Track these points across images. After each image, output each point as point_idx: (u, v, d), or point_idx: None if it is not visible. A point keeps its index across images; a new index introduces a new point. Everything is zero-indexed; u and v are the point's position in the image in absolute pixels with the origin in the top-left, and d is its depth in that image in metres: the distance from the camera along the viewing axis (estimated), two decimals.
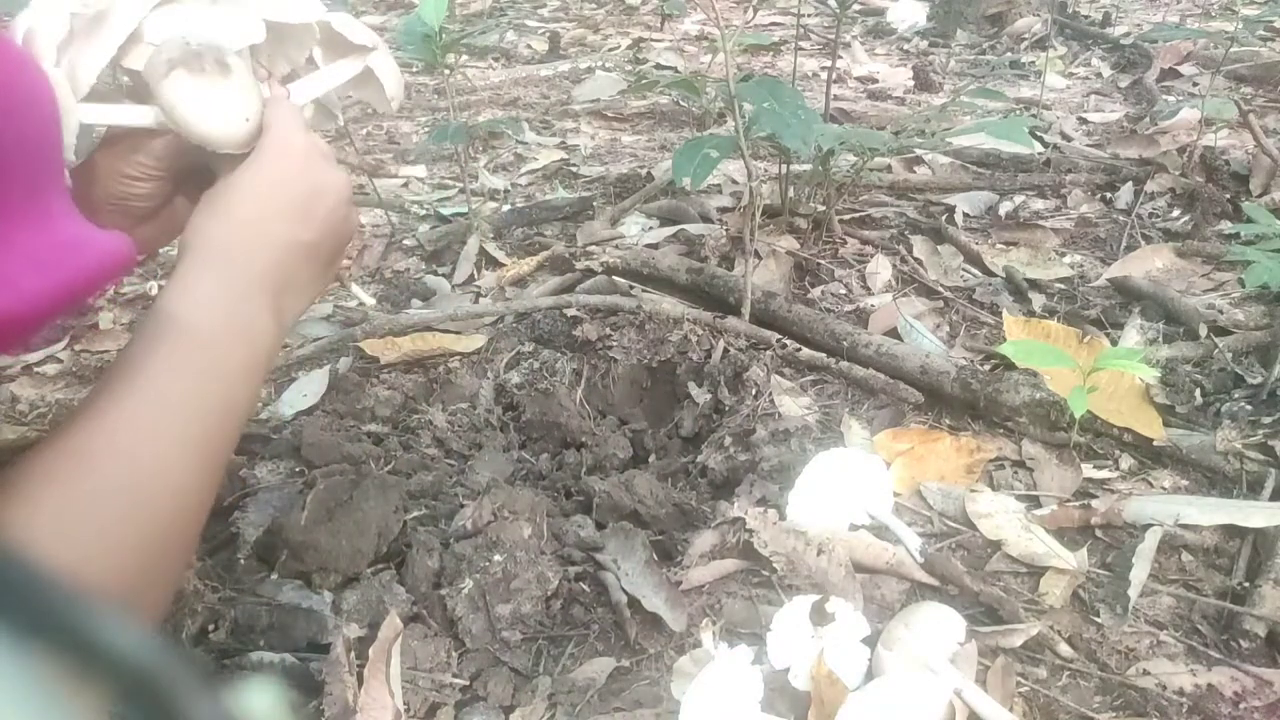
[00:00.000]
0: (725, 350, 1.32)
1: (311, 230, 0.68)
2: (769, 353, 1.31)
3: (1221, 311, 1.37)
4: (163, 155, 0.69)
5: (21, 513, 0.50)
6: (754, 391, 1.23)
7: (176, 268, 0.63)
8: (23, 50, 0.49)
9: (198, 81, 0.65)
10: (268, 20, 0.71)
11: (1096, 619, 0.88)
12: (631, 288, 1.52)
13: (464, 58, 2.87)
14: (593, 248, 1.63)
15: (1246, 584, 0.90)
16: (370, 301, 0.95)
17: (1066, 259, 1.60)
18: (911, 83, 2.80)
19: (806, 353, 1.30)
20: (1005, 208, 1.80)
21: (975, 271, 1.57)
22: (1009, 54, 3.17)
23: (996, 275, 1.54)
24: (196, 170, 0.72)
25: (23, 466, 0.52)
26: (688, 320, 1.37)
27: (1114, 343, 1.31)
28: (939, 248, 1.62)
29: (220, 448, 0.60)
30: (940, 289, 1.49)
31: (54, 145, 0.51)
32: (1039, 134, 2.15)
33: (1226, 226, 1.65)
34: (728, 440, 1.14)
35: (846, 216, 1.72)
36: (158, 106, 0.67)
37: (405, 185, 2.10)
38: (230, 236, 0.64)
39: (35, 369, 1.40)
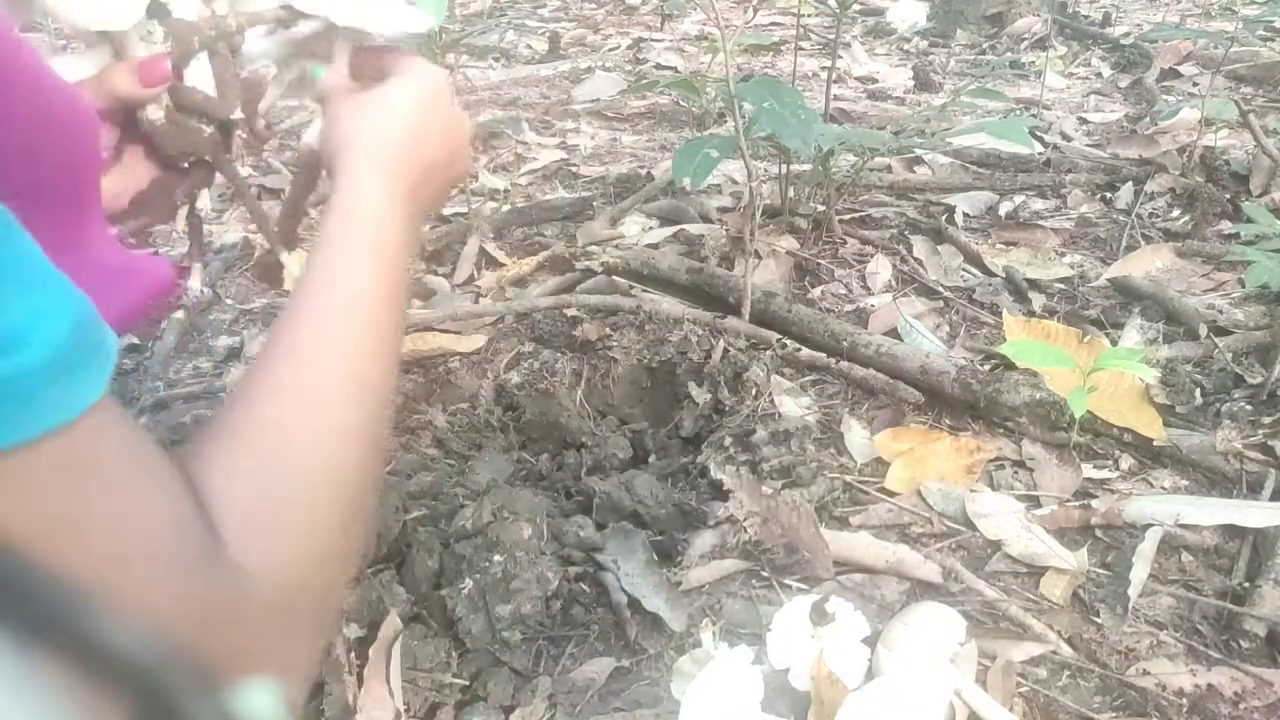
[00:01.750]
0: (725, 350, 1.32)
1: (444, 156, 0.71)
2: (769, 353, 1.31)
3: (1221, 311, 1.37)
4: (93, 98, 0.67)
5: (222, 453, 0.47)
6: (754, 392, 1.23)
7: (344, 164, 0.64)
8: (64, 79, 0.48)
9: None
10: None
11: (1096, 619, 0.88)
12: (631, 288, 1.52)
13: (464, 58, 2.87)
14: (593, 248, 1.63)
15: (1246, 584, 0.90)
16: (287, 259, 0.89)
17: (1066, 259, 1.60)
18: (911, 83, 2.80)
19: (806, 353, 1.30)
20: (1005, 208, 1.80)
21: (975, 271, 1.57)
22: (1009, 54, 3.17)
23: (996, 275, 1.54)
24: (135, 120, 0.69)
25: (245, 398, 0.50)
26: (688, 320, 1.37)
27: (1114, 343, 1.31)
28: (939, 248, 1.62)
29: (391, 374, 0.59)
30: (940, 289, 1.49)
31: (96, 172, 0.50)
32: (1039, 134, 2.15)
33: (1226, 226, 1.65)
34: (728, 440, 1.14)
35: (846, 216, 1.72)
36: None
37: None
38: (396, 142, 0.66)
39: None
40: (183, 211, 0.71)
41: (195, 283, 0.80)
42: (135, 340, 1.44)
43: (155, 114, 0.66)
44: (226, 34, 0.70)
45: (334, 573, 0.49)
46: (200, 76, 0.68)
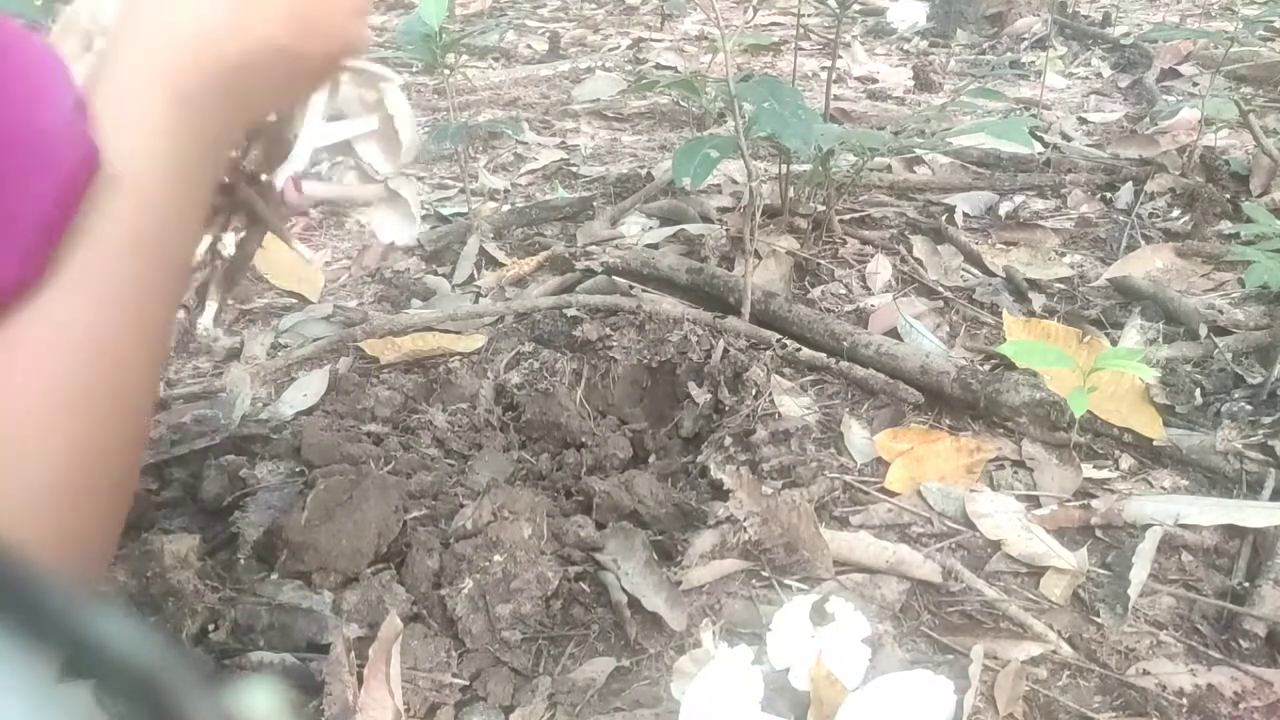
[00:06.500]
0: (725, 350, 1.32)
1: (288, 36, 0.50)
2: (769, 353, 1.31)
3: (1221, 311, 1.37)
4: None
5: None
6: (754, 391, 1.23)
7: (110, 64, 0.46)
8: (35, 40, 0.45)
9: None
10: None
11: (1096, 619, 0.88)
12: (631, 288, 1.52)
13: (464, 58, 2.87)
14: (593, 248, 1.63)
15: (1246, 584, 0.90)
16: (310, 254, 0.82)
17: (1066, 259, 1.60)
18: (911, 83, 2.80)
19: (806, 353, 1.30)
20: (1005, 208, 1.80)
21: (975, 271, 1.57)
22: (1009, 54, 3.17)
23: (996, 275, 1.54)
24: None
25: None
26: (688, 320, 1.37)
27: (1114, 343, 1.31)
28: (939, 248, 1.62)
29: (169, 313, 0.50)
30: (940, 289, 1.49)
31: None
32: (1039, 134, 2.15)
33: (1226, 226, 1.65)
34: (728, 440, 1.14)
35: (846, 216, 1.72)
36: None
37: None
38: (190, 30, 0.47)
39: None
40: (203, 241, 0.68)
41: (208, 319, 0.76)
42: None
43: None
44: None
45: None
46: None
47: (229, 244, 0.67)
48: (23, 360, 0.42)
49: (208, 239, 0.67)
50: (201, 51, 0.46)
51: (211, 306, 0.72)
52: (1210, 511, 0.98)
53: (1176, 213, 1.75)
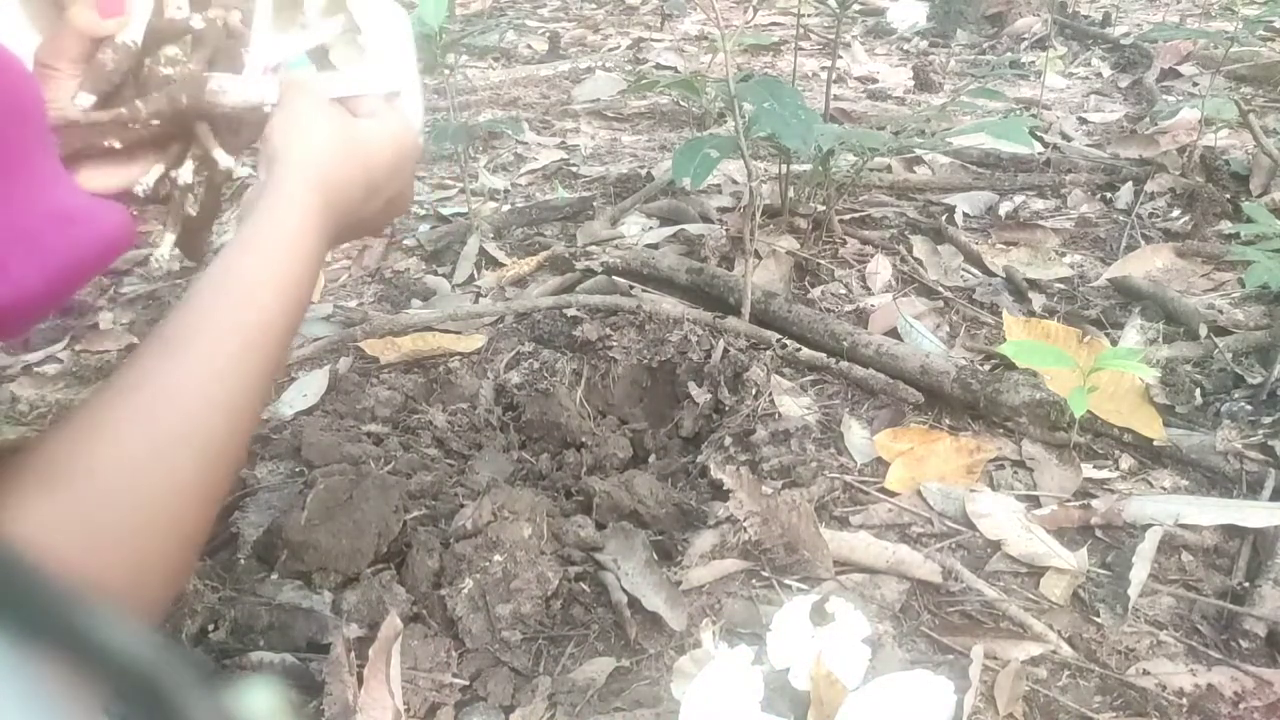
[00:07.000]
0: (725, 350, 1.32)
1: (377, 218, 0.71)
2: (769, 353, 1.31)
3: (1221, 311, 1.37)
4: (67, 47, 0.62)
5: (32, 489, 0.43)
6: (754, 391, 1.23)
7: (293, 179, 0.60)
8: None
9: None
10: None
11: (1096, 619, 0.88)
12: (631, 288, 1.52)
13: (464, 58, 2.87)
14: (593, 248, 1.63)
15: (1246, 584, 0.90)
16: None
17: (1066, 259, 1.60)
18: (911, 83, 2.80)
19: (806, 353, 1.30)
20: (1005, 208, 1.80)
21: (975, 271, 1.57)
22: (1009, 54, 3.17)
23: (996, 275, 1.54)
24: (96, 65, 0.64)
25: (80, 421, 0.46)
26: (688, 320, 1.37)
27: (1114, 343, 1.31)
28: (939, 248, 1.62)
29: (268, 386, 0.58)
30: (940, 289, 1.49)
31: (36, 111, 0.47)
32: (1039, 134, 2.15)
33: (1226, 226, 1.65)
34: (728, 440, 1.14)
35: (846, 216, 1.72)
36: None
37: None
38: (352, 187, 0.65)
39: (35, 369, 1.40)
40: (155, 170, 0.67)
41: (164, 251, 0.73)
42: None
43: (109, 57, 0.61)
44: None
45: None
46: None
47: (186, 173, 0.67)
48: (127, 413, 0.47)
49: (160, 168, 0.66)
50: (347, 210, 0.66)
51: (169, 238, 0.71)
52: (1210, 511, 0.98)
53: (1176, 213, 1.75)
